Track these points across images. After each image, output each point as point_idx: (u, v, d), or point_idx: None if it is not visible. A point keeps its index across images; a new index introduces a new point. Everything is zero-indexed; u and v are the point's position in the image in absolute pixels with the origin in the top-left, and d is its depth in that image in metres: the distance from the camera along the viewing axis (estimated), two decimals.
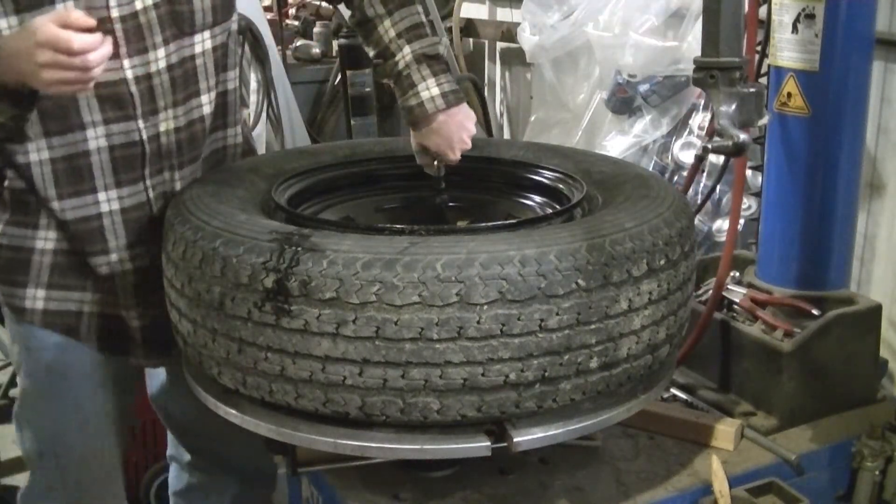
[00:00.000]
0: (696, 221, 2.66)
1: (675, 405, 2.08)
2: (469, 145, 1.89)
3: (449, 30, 4.06)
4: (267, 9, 4.30)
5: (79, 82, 1.53)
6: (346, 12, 2.25)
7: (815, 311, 2.06)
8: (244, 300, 1.47)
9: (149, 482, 3.30)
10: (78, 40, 1.47)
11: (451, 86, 1.85)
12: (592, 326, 1.47)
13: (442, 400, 1.44)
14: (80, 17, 1.49)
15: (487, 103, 4.20)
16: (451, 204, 2.04)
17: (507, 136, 4.49)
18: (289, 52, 4.45)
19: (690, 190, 2.57)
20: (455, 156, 1.89)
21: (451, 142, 1.87)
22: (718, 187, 2.73)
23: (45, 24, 1.48)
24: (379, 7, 1.88)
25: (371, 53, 1.94)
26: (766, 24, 2.08)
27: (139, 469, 3.27)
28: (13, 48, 1.53)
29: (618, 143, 3.10)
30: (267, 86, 3.45)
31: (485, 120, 3.85)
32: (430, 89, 1.83)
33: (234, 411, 1.62)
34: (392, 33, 1.86)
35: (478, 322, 1.40)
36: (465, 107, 1.88)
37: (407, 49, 1.85)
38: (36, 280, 1.82)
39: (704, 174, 2.84)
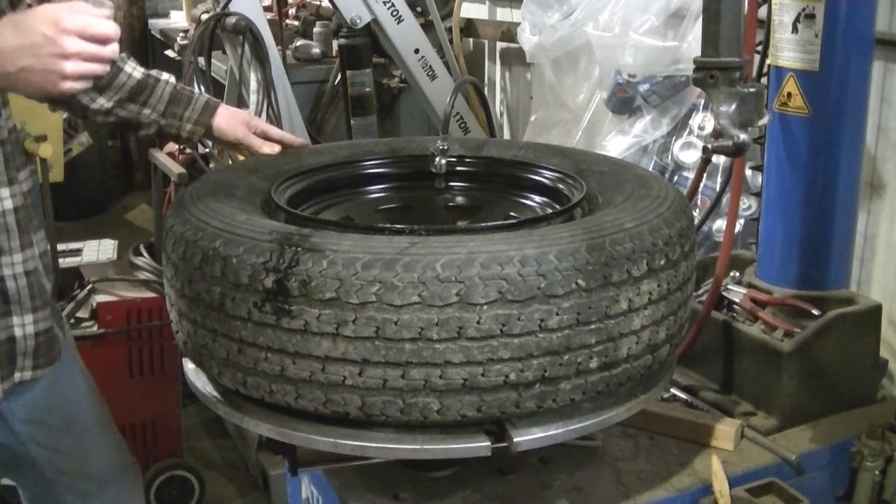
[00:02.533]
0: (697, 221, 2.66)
1: (675, 405, 2.08)
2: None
3: (449, 30, 4.06)
4: (267, 9, 4.29)
5: (95, 76, 1.41)
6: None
7: (815, 311, 2.06)
8: (244, 300, 1.47)
9: (149, 482, 3.31)
10: (111, 27, 1.35)
11: None
12: (592, 326, 1.47)
13: (442, 400, 1.44)
14: (86, 4, 1.35)
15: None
16: (450, 204, 2.04)
17: (507, 136, 4.49)
18: (289, 52, 4.45)
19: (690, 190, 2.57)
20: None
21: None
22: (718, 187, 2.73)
23: (66, 11, 1.31)
24: None
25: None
26: (766, 24, 2.08)
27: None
28: (9, 45, 1.33)
29: (618, 143, 3.09)
30: (267, 86, 3.46)
31: (486, 120, 3.86)
32: None
33: (234, 411, 1.63)
34: None
35: (478, 322, 1.40)
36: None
37: None
38: None
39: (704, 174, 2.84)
